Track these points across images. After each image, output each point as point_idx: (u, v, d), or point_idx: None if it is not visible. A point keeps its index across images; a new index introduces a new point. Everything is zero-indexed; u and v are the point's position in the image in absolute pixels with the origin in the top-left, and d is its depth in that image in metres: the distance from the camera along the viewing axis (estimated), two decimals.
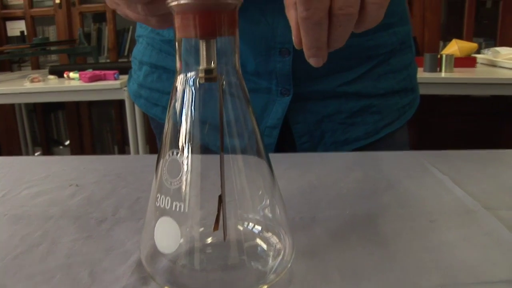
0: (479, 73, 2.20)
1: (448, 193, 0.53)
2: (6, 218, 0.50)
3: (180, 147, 0.32)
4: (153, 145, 2.48)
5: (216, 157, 0.33)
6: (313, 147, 0.78)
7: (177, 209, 0.32)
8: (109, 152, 3.38)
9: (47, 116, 3.38)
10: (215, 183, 0.34)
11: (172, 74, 0.79)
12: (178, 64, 0.33)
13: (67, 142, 3.41)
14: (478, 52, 2.53)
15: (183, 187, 0.32)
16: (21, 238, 0.45)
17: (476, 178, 0.58)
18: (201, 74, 0.32)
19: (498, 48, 2.45)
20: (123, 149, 3.28)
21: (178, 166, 0.32)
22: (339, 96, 0.75)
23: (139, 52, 0.85)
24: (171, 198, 0.32)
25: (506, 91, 2.06)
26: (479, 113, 2.78)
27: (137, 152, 2.29)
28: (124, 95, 2.12)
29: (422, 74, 2.06)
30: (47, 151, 3.42)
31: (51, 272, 0.38)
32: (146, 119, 2.00)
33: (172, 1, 0.31)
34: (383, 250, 0.41)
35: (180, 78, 0.33)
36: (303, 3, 0.38)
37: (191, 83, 0.33)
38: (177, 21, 0.32)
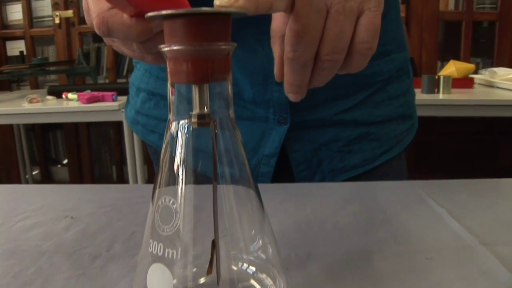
0: (477, 94, 2.21)
1: (445, 227, 0.53)
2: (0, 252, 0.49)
3: (174, 186, 0.32)
4: (151, 166, 2.48)
5: (210, 188, 0.33)
6: (311, 175, 0.78)
7: (170, 256, 0.31)
8: (107, 172, 3.37)
9: (46, 135, 3.38)
10: (209, 217, 0.33)
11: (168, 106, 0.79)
12: (170, 115, 0.33)
13: (65, 161, 3.41)
14: (475, 72, 2.55)
15: (176, 234, 0.31)
16: (13, 275, 0.45)
17: (473, 211, 0.57)
18: (194, 120, 0.32)
19: (495, 69, 2.46)
20: (121, 169, 3.27)
21: (170, 213, 0.32)
22: (336, 124, 0.75)
23: (137, 79, 0.85)
24: (164, 244, 0.32)
25: (504, 112, 2.06)
26: (477, 133, 2.78)
27: (134, 173, 2.28)
28: (122, 117, 2.12)
29: (420, 96, 2.06)
30: (45, 170, 3.42)
31: None
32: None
33: (165, 47, 0.31)
34: None
35: (173, 125, 0.33)
36: (292, 43, 0.38)
37: (185, 129, 0.33)
38: (169, 66, 0.32)
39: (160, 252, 0.32)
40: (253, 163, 0.76)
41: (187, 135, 0.32)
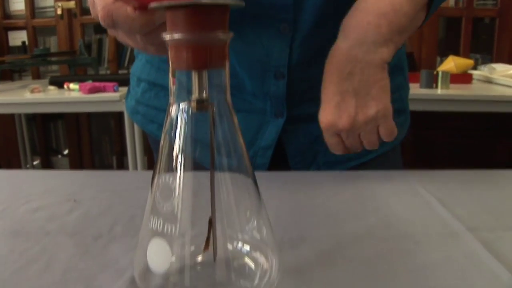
0: (475, 89, 2.22)
1: (434, 214, 0.55)
2: (6, 233, 0.51)
3: (172, 170, 0.34)
4: (151, 157, 2.50)
5: (208, 175, 0.35)
6: (306, 167, 0.79)
7: (169, 231, 0.33)
8: (108, 162, 3.39)
9: (47, 125, 3.40)
10: (207, 201, 0.35)
11: (169, 93, 0.81)
12: (171, 98, 0.35)
13: (66, 152, 3.43)
14: (474, 68, 2.56)
15: (175, 210, 0.34)
16: (19, 253, 0.47)
17: (462, 199, 0.59)
18: (194, 104, 0.34)
19: (494, 65, 2.48)
20: (122, 159, 3.29)
21: (170, 190, 0.34)
22: None
23: (138, 69, 0.87)
24: (163, 220, 0.34)
25: (502, 108, 2.08)
26: (475, 129, 2.80)
27: (135, 163, 2.30)
28: (123, 107, 2.13)
29: (418, 91, 2.08)
30: (46, 160, 3.44)
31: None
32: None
33: (167, 35, 0.33)
34: (367, 271, 0.42)
35: (174, 108, 0.35)
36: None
37: (184, 112, 0.35)
38: (171, 54, 0.34)
39: (160, 227, 0.34)
40: (249, 155, 0.78)
41: (186, 119, 0.34)
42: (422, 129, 2.70)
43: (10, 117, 3.23)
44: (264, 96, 0.74)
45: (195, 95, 0.34)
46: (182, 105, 0.34)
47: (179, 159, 0.35)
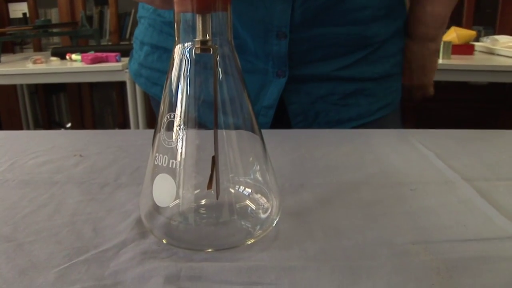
0: (477, 60, 2.22)
1: (431, 166, 0.57)
2: (15, 183, 0.53)
3: (177, 109, 0.35)
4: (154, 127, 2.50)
5: (210, 131, 0.36)
6: (307, 127, 0.81)
7: (174, 166, 0.35)
8: None
9: (49, 98, 3.41)
10: (211, 147, 0.37)
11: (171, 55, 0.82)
12: (176, 38, 0.37)
13: (69, 125, 3.44)
14: (477, 40, 2.55)
15: (180, 146, 0.35)
16: (29, 200, 0.48)
17: (459, 154, 0.61)
18: (197, 45, 0.35)
19: (497, 36, 2.47)
20: None
21: (175, 127, 0.35)
22: (333, 79, 0.78)
23: (141, 33, 0.88)
24: (168, 156, 0.35)
25: (504, 78, 2.08)
26: (476, 100, 2.80)
27: None
28: (126, 77, 2.15)
29: None
30: None
31: (57, 228, 0.42)
32: (147, 101, 2.02)
33: None
34: (364, 213, 0.44)
35: (178, 48, 0.36)
36: None
37: (188, 53, 0.36)
38: None
39: (165, 163, 0.35)
40: None
41: (189, 59, 0.36)
42: (424, 101, 2.70)
43: (13, 91, 3.24)
44: (266, 56, 0.75)
45: (199, 37, 0.35)
46: (186, 45, 0.35)
47: (183, 103, 0.36)
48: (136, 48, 0.91)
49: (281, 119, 0.80)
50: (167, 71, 0.86)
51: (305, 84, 0.78)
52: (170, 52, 0.86)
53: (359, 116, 0.81)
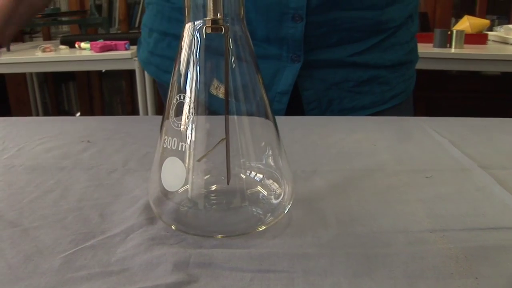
0: (490, 49, 2.19)
1: (446, 153, 0.55)
2: (21, 168, 0.52)
3: (187, 90, 0.34)
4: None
5: (221, 117, 0.35)
6: (321, 114, 0.80)
7: (183, 149, 0.34)
8: None
9: (58, 87, 3.41)
10: (221, 131, 0.36)
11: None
12: (186, 16, 0.35)
13: (78, 114, 3.44)
14: (490, 29, 2.52)
15: (189, 128, 0.34)
16: (36, 185, 0.47)
17: (474, 142, 0.59)
18: (208, 25, 0.34)
19: (511, 26, 2.43)
20: None
21: (185, 109, 0.34)
22: (348, 65, 0.77)
23: (149, 19, 0.87)
24: (178, 139, 0.34)
25: None
26: (489, 90, 2.77)
27: None
28: (135, 65, 2.14)
29: (431, 50, 2.05)
30: None
31: (64, 214, 0.41)
32: (157, 90, 2.01)
33: None
34: (378, 200, 0.43)
35: (188, 27, 0.35)
36: None
37: (198, 33, 0.35)
38: None
39: (174, 146, 0.34)
40: None
41: (200, 39, 0.34)
42: (435, 91, 2.68)
43: (22, 80, 3.24)
44: (281, 40, 0.74)
45: (209, 16, 0.34)
46: (197, 23, 0.34)
47: (193, 85, 0.35)
48: (144, 36, 0.90)
49: (294, 106, 0.78)
50: None
51: (319, 70, 0.77)
52: (179, 39, 0.85)
53: (373, 104, 0.80)
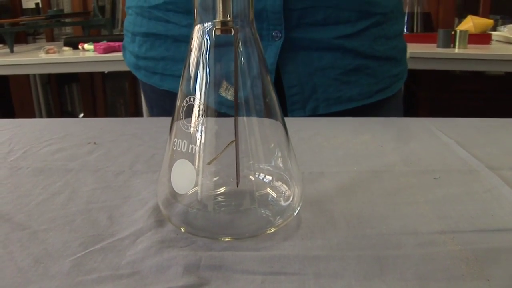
0: (494, 49, 2.18)
1: (453, 154, 0.55)
2: (28, 171, 0.52)
3: (196, 92, 0.34)
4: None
5: (230, 119, 0.35)
6: (304, 101, 0.77)
7: (193, 152, 0.34)
8: None
9: (62, 88, 3.41)
10: (231, 133, 0.36)
11: (163, 40, 0.79)
12: (195, 18, 0.35)
13: (81, 115, 3.45)
14: (494, 29, 2.51)
15: (199, 130, 0.34)
16: (43, 187, 0.47)
17: (481, 142, 0.59)
18: (218, 26, 0.34)
19: None
20: None
21: (194, 111, 0.34)
22: (335, 49, 0.75)
23: (130, 24, 0.86)
24: (188, 141, 0.34)
25: None
26: (493, 90, 2.76)
27: None
28: None
29: (435, 50, 2.05)
30: None
31: (72, 216, 0.41)
32: None
33: None
34: (387, 202, 0.43)
35: (197, 29, 0.35)
36: None
37: (207, 35, 0.35)
38: None
39: (184, 148, 0.34)
40: None
41: (209, 41, 0.34)
42: (439, 91, 2.67)
43: (26, 81, 3.24)
44: (260, 14, 0.71)
45: (219, 18, 0.34)
46: (207, 25, 0.34)
47: (203, 87, 0.35)
48: (128, 41, 0.88)
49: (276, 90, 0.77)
50: (161, 57, 0.83)
51: (303, 52, 0.74)
52: (161, 38, 0.83)
53: (360, 96, 0.78)
